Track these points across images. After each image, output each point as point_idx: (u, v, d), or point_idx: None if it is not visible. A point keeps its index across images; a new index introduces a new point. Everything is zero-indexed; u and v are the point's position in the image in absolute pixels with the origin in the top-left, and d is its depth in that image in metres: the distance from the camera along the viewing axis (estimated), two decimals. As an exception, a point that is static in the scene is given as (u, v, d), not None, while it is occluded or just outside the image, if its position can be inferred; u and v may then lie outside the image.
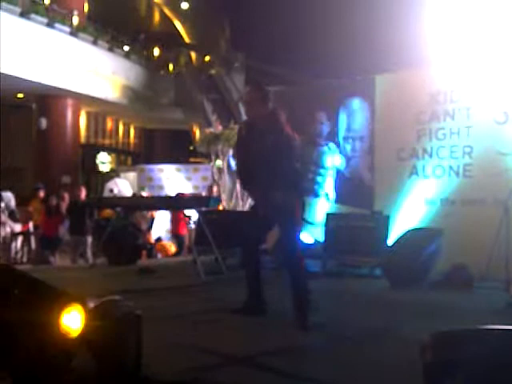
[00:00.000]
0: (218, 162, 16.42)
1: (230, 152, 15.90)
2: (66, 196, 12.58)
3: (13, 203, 12.49)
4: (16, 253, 12.50)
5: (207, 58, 24.16)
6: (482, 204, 7.97)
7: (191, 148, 19.50)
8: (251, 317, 4.86)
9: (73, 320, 2.70)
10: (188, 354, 3.82)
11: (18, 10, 16.45)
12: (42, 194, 12.88)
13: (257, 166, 4.85)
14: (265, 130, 4.84)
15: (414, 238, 7.57)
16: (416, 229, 8.04)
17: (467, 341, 2.69)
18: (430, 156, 8.68)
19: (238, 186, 15.55)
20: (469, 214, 8.05)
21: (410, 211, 8.63)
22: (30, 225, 12.75)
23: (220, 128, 16.52)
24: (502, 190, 7.53)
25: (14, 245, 12.45)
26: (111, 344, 2.82)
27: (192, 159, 20.84)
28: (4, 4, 15.89)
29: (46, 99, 18.65)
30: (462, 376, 2.47)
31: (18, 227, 12.46)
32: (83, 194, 12.45)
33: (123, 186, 13.84)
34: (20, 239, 12.57)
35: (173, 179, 16.64)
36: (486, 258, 7.02)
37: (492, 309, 5.56)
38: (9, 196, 12.52)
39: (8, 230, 12.19)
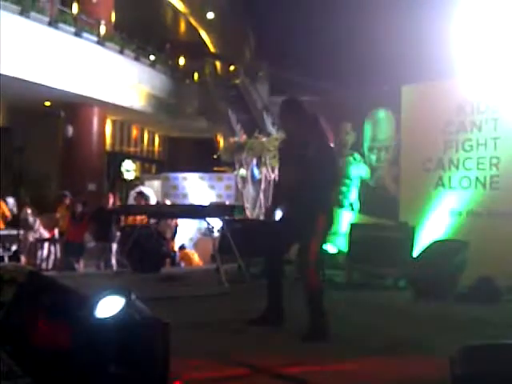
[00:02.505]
0: (242, 171, 16.45)
1: (254, 161, 15.93)
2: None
3: (15, 209, 12.70)
4: (41, 259, 12.62)
5: (232, 68, 24.28)
6: (509, 216, 7.87)
7: (215, 157, 19.54)
8: (274, 327, 4.85)
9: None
10: (211, 363, 3.82)
11: (47, 19, 16.69)
12: (67, 201, 13.00)
13: (296, 181, 4.71)
14: (305, 140, 4.73)
15: (439, 249, 7.49)
16: (441, 240, 7.96)
17: (496, 354, 2.66)
18: (457, 167, 8.60)
19: (261, 195, 15.57)
20: (495, 226, 7.94)
21: (436, 223, 8.55)
22: (56, 231, 12.86)
23: (244, 137, 16.55)
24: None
25: (40, 252, 12.56)
26: (137, 350, 2.83)
27: (216, 168, 20.89)
28: (33, 13, 16.14)
29: (73, 107, 18.87)
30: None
31: (45, 234, 12.60)
32: (111, 201, 12.54)
33: (148, 193, 13.91)
34: (46, 246, 12.68)
35: (196, 188, 16.70)
36: (513, 271, 6.93)
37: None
38: (11, 202, 12.72)
39: (37, 235, 12.33)
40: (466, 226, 8.32)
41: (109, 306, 2.84)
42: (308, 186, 4.64)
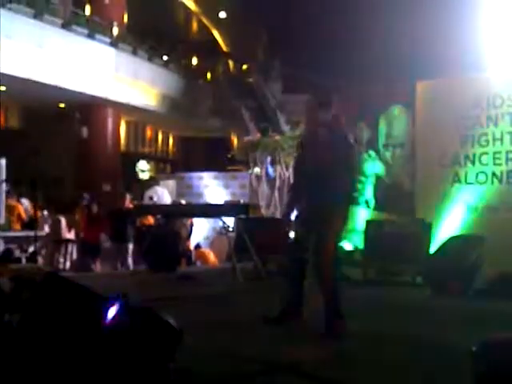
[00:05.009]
0: (256, 170, 16.44)
1: (268, 160, 15.92)
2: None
3: (30, 210, 12.77)
4: (58, 260, 12.69)
5: (245, 66, 24.26)
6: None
7: (229, 156, 19.55)
8: (291, 325, 4.83)
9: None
10: (230, 361, 3.82)
11: (60, 21, 16.78)
12: (85, 202, 13.03)
13: (313, 177, 4.76)
14: (327, 139, 4.76)
15: (456, 245, 7.45)
16: (458, 236, 7.91)
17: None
18: (473, 162, 8.54)
19: (276, 193, 15.55)
20: (512, 221, 7.89)
21: (452, 218, 8.50)
22: (72, 232, 12.93)
23: (258, 136, 16.54)
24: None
25: (57, 253, 12.62)
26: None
27: (230, 167, 20.88)
28: (46, 16, 16.23)
29: (87, 108, 18.95)
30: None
31: (67, 235, 12.66)
32: (127, 201, 12.58)
33: (163, 193, 13.94)
34: (63, 247, 12.74)
35: (211, 187, 16.72)
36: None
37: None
38: (26, 204, 12.79)
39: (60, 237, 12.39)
40: (483, 221, 8.27)
41: (112, 310, 2.85)
42: (331, 172, 4.66)
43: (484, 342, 2.61)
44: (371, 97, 9.92)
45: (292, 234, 5.13)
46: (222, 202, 13.46)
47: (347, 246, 9.26)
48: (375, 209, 9.64)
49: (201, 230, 15.52)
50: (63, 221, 12.43)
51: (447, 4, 9.39)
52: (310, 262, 4.89)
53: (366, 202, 9.70)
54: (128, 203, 12.48)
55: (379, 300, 6.59)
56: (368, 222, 8.88)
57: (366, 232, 8.65)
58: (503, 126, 8.31)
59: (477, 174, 8.49)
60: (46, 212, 13.07)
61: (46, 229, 12.67)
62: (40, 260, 11.75)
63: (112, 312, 2.85)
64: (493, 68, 8.54)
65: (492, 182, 8.35)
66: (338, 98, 5.25)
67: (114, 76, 18.34)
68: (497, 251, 7.23)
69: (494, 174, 8.35)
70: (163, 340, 2.95)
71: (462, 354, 3.19)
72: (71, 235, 12.66)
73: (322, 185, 4.70)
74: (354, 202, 8.94)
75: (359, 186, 9.79)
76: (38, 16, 15.92)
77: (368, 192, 9.73)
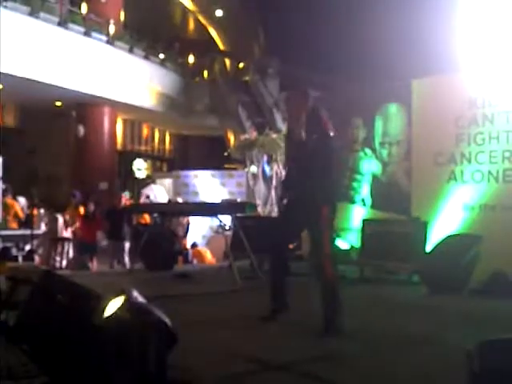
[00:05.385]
0: (253, 168, 16.46)
1: (265, 158, 15.94)
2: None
3: (26, 209, 12.78)
4: (54, 259, 12.68)
5: (241, 65, 24.25)
6: (522, 210, 7.82)
7: (226, 154, 19.56)
8: (286, 323, 4.84)
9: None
10: (226, 360, 3.83)
11: (56, 19, 16.76)
12: (76, 200, 13.02)
13: (297, 169, 4.89)
14: (307, 131, 4.81)
15: (452, 244, 7.46)
16: (454, 235, 7.92)
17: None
18: (469, 161, 8.55)
19: (273, 191, 15.57)
20: (509, 220, 7.89)
21: (449, 217, 8.51)
22: (69, 231, 12.93)
23: (255, 134, 16.56)
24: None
25: (53, 251, 12.61)
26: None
27: (227, 165, 20.90)
28: (43, 14, 16.21)
29: (84, 107, 18.95)
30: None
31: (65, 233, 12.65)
32: (123, 199, 12.56)
33: (159, 192, 13.95)
34: (60, 245, 12.74)
35: (208, 185, 16.72)
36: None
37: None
38: (23, 202, 12.79)
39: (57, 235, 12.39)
40: (479, 220, 8.27)
41: (111, 307, 2.84)
42: (309, 173, 4.76)
43: (480, 343, 2.61)
44: (368, 94, 9.91)
45: (275, 229, 5.18)
46: (218, 201, 13.46)
47: (343, 244, 9.27)
48: (371, 207, 9.64)
49: (198, 229, 15.53)
50: (60, 219, 12.43)
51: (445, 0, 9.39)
52: (309, 263, 4.93)
53: (363, 201, 9.71)
54: (124, 201, 12.48)
55: (376, 298, 6.60)
56: (364, 221, 8.89)
57: (363, 230, 8.66)
58: (499, 125, 8.31)
59: (473, 173, 8.50)
60: (42, 210, 13.06)
61: (43, 227, 12.67)
62: (37, 258, 11.75)
63: (109, 310, 2.85)
64: (489, 66, 8.55)
65: (488, 181, 8.36)
66: (315, 94, 5.32)
67: (110, 74, 18.31)
68: (493, 250, 7.23)
69: (490, 173, 8.35)
70: (159, 338, 2.95)
71: (457, 354, 3.21)
72: (68, 233, 12.66)
73: (305, 183, 4.79)
74: (341, 196, 9.00)
75: (355, 184, 9.80)
76: (34, 14, 15.90)
77: (364, 190, 9.73)
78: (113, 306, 2.83)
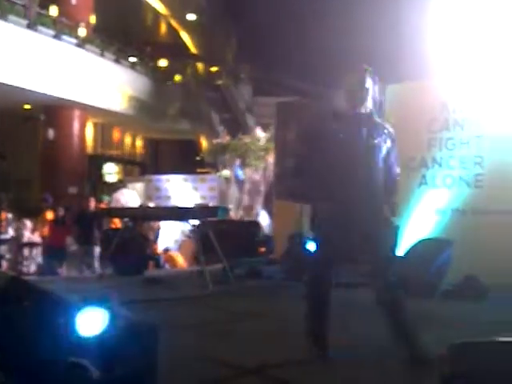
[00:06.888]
0: (225, 172, 16.40)
1: (237, 162, 15.89)
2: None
3: None
4: (22, 264, 12.48)
5: (214, 69, 24.22)
6: (493, 214, 7.88)
7: (198, 158, 19.47)
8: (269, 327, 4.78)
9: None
10: (200, 365, 3.77)
11: (25, 22, 16.51)
12: (47, 204, 12.84)
13: (349, 172, 4.05)
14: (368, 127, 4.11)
15: (424, 248, 7.50)
16: (426, 239, 7.96)
17: (485, 352, 2.63)
18: (440, 165, 8.61)
19: (245, 196, 15.53)
20: (480, 224, 7.96)
21: (420, 221, 8.55)
22: (37, 235, 12.74)
23: (227, 138, 16.52)
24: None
25: (21, 256, 12.42)
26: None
27: (199, 169, 20.80)
28: (11, 16, 15.96)
29: (53, 110, 18.68)
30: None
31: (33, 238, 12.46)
32: (92, 204, 12.41)
33: (130, 196, 13.80)
34: (28, 250, 12.54)
35: (180, 189, 16.62)
36: (498, 268, 6.94)
37: (506, 320, 5.47)
38: None
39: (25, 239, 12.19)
40: (451, 224, 8.33)
41: (92, 321, 2.73)
42: (375, 177, 4.14)
43: (451, 346, 2.60)
44: (341, 99, 9.92)
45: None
46: (191, 205, 13.37)
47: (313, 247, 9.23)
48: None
49: (170, 234, 15.41)
50: (28, 224, 12.23)
51: (420, 5, 9.45)
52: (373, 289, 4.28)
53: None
54: (93, 206, 12.33)
55: (347, 302, 6.57)
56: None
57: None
58: (470, 131, 8.39)
59: (444, 178, 8.56)
60: (10, 215, 12.84)
61: (11, 232, 12.45)
62: (4, 264, 11.54)
63: (80, 318, 2.76)
64: (461, 73, 8.63)
65: (460, 186, 8.42)
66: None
67: (80, 78, 18.11)
68: (465, 254, 7.29)
69: (461, 178, 8.42)
70: (137, 343, 2.88)
71: (429, 357, 3.20)
72: (36, 238, 12.46)
73: (367, 189, 4.12)
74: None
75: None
76: (2, 16, 15.65)
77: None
78: (87, 313, 2.75)
